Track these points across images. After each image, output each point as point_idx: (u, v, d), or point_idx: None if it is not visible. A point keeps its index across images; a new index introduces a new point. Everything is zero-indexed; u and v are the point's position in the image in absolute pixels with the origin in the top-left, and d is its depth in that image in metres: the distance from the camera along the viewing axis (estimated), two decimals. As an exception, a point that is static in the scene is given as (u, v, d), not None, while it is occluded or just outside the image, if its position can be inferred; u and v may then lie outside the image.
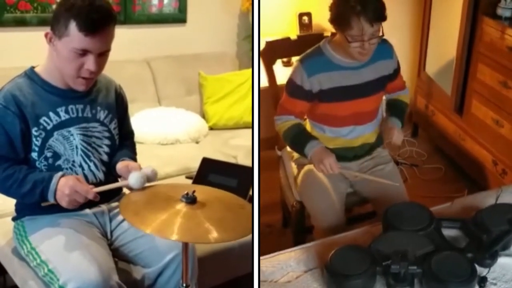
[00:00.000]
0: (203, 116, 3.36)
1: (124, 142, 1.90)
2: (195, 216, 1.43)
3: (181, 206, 1.45)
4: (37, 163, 1.69)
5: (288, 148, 2.26)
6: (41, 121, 1.68)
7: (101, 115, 1.79)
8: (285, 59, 2.67)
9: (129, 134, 1.98)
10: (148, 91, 3.27)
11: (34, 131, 1.67)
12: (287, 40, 2.35)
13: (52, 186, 1.62)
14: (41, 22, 2.94)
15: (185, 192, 1.47)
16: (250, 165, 2.37)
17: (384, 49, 2.02)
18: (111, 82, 1.88)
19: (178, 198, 1.47)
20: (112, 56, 1.71)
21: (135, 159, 1.87)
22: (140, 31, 3.36)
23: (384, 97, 2.18)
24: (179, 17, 3.56)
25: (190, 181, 2.40)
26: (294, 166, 2.24)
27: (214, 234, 1.39)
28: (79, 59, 1.61)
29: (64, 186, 1.61)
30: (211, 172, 2.32)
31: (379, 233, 1.61)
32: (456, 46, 3.02)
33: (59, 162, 1.71)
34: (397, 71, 2.12)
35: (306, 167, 2.12)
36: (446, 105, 3.23)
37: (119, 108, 1.87)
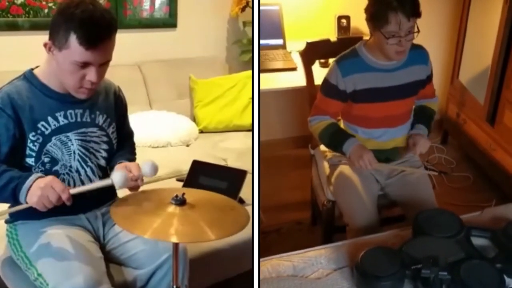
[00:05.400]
0: (194, 119, 3.38)
1: (123, 143, 1.88)
2: (187, 217, 1.45)
3: (172, 209, 1.46)
4: (34, 168, 1.65)
5: (321, 148, 2.28)
6: (39, 125, 1.64)
7: (100, 119, 1.77)
8: (322, 60, 2.70)
9: (129, 134, 1.97)
10: (139, 94, 3.29)
11: (31, 136, 1.63)
12: (327, 42, 2.37)
13: (28, 182, 1.51)
14: (33, 26, 2.96)
15: (175, 195, 1.48)
16: (240, 167, 2.42)
17: (420, 54, 2.06)
18: (111, 84, 1.85)
19: (168, 201, 1.48)
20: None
21: (133, 160, 1.85)
22: (131, 36, 3.38)
23: None
24: (169, 21, 3.59)
25: (181, 184, 2.42)
26: (326, 165, 2.26)
27: (210, 232, 1.40)
28: (80, 71, 1.57)
29: (41, 182, 1.51)
30: (201, 174, 2.34)
31: (408, 237, 1.62)
32: (492, 55, 2.96)
33: (56, 167, 1.68)
34: (430, 77, 2.14)
35: (340, 168, 2.15)
36: (478, 114, 3.16)
37: (118, 111, 1.85)
